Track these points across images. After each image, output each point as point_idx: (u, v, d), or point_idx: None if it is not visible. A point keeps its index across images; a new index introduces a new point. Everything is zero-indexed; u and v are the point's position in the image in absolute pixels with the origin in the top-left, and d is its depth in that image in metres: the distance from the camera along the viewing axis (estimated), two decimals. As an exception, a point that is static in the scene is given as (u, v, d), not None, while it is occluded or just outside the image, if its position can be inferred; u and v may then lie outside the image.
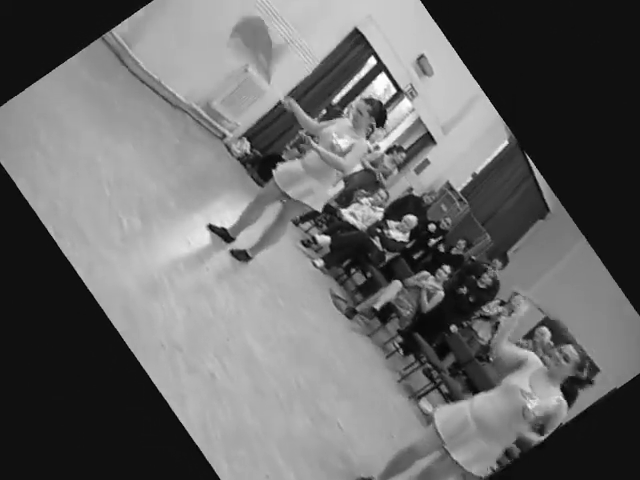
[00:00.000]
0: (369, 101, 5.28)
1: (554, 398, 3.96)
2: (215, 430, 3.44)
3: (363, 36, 8.36)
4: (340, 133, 5.12)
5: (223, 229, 5.52)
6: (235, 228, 5.51)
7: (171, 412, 3.04)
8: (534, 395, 3.94)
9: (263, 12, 7.23)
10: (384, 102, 11.03)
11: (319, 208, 5.42)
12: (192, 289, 4.55)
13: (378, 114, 5.24)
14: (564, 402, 3.99)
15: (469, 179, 12.34)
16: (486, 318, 9.25)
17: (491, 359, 9.20)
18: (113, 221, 4.18)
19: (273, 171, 5.35)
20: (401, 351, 8.47)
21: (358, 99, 5.17)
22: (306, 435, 4.41)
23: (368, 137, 5.42)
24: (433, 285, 8.32)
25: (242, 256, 5.48)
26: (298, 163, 5.32)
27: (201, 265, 4.99)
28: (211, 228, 5.50)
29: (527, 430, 3.98)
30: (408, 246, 9.43)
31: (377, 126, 5.36)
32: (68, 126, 4.56)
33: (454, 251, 9.66)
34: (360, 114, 5.16)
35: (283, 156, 8.88)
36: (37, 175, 3.73)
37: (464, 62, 3.24)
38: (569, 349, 4.03)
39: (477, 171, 12.28)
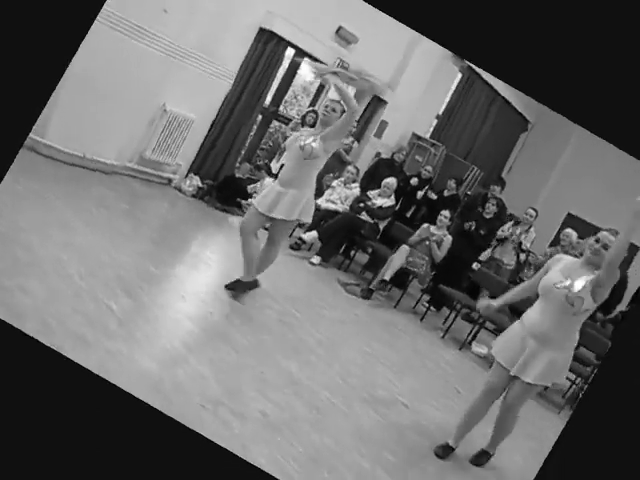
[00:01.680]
0: (334, 109, 5.49)
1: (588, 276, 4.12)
2: (291, 464, 3.57)
3: (272, 32, 8.47)
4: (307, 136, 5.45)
5: (238, 281, 5.62)
6: (248, 272, 5.64)
7: (244, 465, 3.17)
8: (569, 280, 4.10)
9: (166, 53, 7.36)
10: (314, 82, 11.21)
11: (309, 219, 5.63)
12: (206, 340, 4.68)
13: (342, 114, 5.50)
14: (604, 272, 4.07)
15: (434, 122, 12.47)
16: (503, 241, 9.38)
17: (524, 279, 9.34)
18: (103, 310, 4.29)
19: (252, 201, 5.57)
20: (432, 308, 8.61)
21: (327, 101, 5.38)
22: (377, 427, 4.55)
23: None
24: (437, 233, 8.43)
25: (244, 287, 5.62)
26: (271, 182, 5.53)
27: (205, 313, 5.12)
28: (229, 287, 5.60)
29: (583, 313, 4.11)
30: (397, 208, 9.55)
31: None
32: (19, 240, 4.66)
33: (446, 193, 9.77)
34: (332, 111, 5.45)
35: (237, 174, 9.01)
36: (12, 299, 3.83)
37: (388, 14, 3.31)
38: (604, 235, 4.15)
39: (440, 112, 12.41)
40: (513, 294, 4.64)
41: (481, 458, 4.70)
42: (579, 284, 4.07)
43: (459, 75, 12.23)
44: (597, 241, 4.14)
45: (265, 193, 5.55)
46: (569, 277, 4.13)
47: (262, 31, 8.52)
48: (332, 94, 10.74)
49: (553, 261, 4.37)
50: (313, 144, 5.32)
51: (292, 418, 4.08)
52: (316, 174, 5.55)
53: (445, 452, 4.52)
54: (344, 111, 5.42)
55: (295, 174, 5.41)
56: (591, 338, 7.36)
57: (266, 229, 5.78)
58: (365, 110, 10.67)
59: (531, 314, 4.30)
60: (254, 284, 5.70)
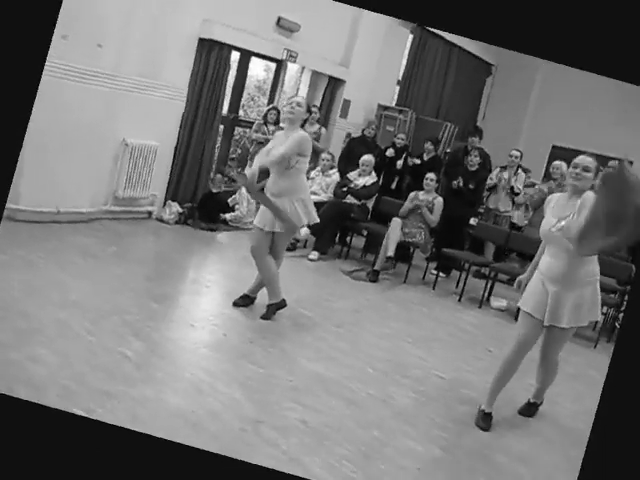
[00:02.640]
0: (299, 103, 5.59)
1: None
2: (346, 465, 3.60)
3: (212, 40, 8.42)
4: (275, 144, 5.58)
5: (269, 306, 5.75)
6: (274, 293, 5.74)
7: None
8: (561, 220, 4.15)
9: (112, 87, 7.33)
10: (268, 78, 11.21)
11: (316, 217, 5.80)
12: (228, 363, 4.69)
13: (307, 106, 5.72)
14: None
15: (397, 89, 12.45)
16: (494, 189, 9.41)
17: (525, 222, 9.38)
18: (117, 359, 4.30)
19: (255, 223, 5.68)
20: (441, 274, 8.63)
21: (291, 98, 5.51)
22: (419, 406, 4.58)
23: (303, 126, 5.82)
24: (426, 198, 8.44)
25: (274, 310, 5.76)
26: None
27: (218, 336, 5.13)
28: (265, 318, 5.69)
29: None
30: (381, 183, 9.56)
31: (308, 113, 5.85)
32: (17, 309, 4.65)
33: (426, 157, 9.78)
34: (298, 106, 5.54)
35: (213, 190, 9.00)
36: (25, 372, 3.82)
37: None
38: (581, 159, 4.22)
39: (400, 77, 12.40)
40: (537, 255, 4.63)
41: (530, 409, 4.78)
42: (574, 222, 4.05)
43: (410, 36, 12.22)
44: (575, 167, 4.20)
45: (262, 211, 5.64)
46: (559, 216, 4.20)
47: (202, 41, 8.48)
48: (288, 89, 10.79)
49: (546, 204, 4.49)
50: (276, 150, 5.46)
51: (333, 419, 4.10)
52: (304, 174, 5.73)
53: (485, 421, 4.49)
54: (309, 105, 5.72)
55: (284, 184, 5.52)
56: (610, 265, 7.27)
57: None
58: (325, 94, 10.66)
59: (544, 260, 4.36)
60: (282, 303, 5.80)
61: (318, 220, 5.87)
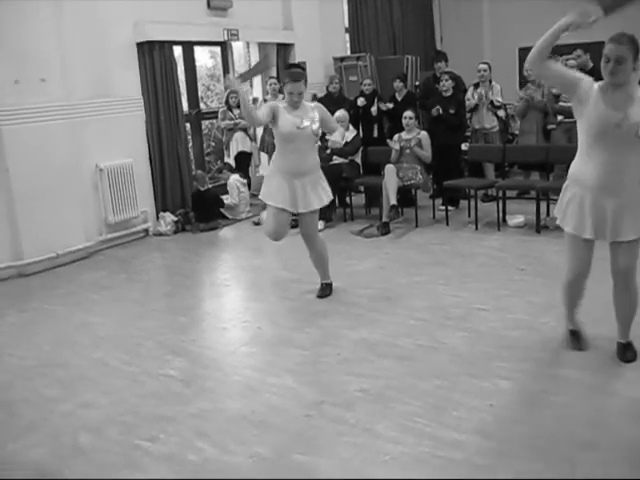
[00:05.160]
0: (297, 77, 5.50)
1: None
2: (419, 422, 3.62)
3: (149, 41, 8.34)
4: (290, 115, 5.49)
5: (324, 286, 5.90)
6: (325, 273, 5.93)
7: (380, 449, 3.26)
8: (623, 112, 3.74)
9: (69, 117, 7.30)
10: (216, 63, 11.15)
11: (330, 196, 5.84)
12: (271, 354, 4.75)
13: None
14: None
15: (347, 37, 12.37)
16: (474, 109, 9.40)
17: (515, 132, 9.40)
18: (164, 381, 4.34)
19: (290, 208, 5.55)
20: (450, 208, 8.65)
21: (289, 86, 5.40)
22: (473, 344, 4.62)
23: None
24: (410, 136, 8.44)
25: (329, 289, 5.91)
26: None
27: (254, 331, 5.18)
28: (322, 296, 5.82)
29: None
30: (362, 134, 9.55)
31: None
32: (53, 362, 4.71)
33: (398, 96, 9.74)
34: (301, 94, 5.49)
35: (201, 188, 8.99)
36: (81, 420, 3.88)
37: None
38: (611, 49, 3.68)
39: (346, 24, 12.31)
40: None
41: (625, 352, 4.24)
42: (636, 114, 3.73)
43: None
44: (607, 60, 3.71)
45: (290, 194, 5.51)
46: (617, 109, 3.74)
47: (141, 45, 8.41)
48: (240, 68, 10.73)
49: (585, 83, 3.86)
50: (315, 125, 5.50)
51: (392, 380, 4.14)
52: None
53: (577, 340, 4.40)
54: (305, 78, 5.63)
55: (314, 160, 5.63)
56: None
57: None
58: (277, 62, 10.58)
59: (586, 169, 3.93)
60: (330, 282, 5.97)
61: (331, 197, 5.92)
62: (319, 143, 5.54)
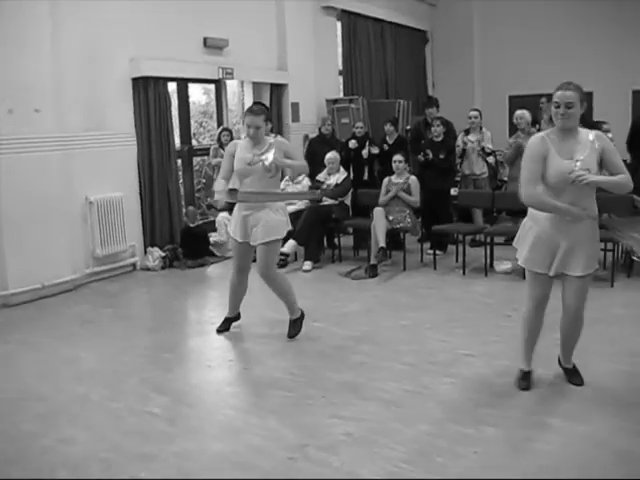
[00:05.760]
0: (256, 112, 5.57)
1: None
2: (404, 468, 3.59)
3: (145, 77, 8.39)
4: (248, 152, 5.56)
5: (292, 323, 5.85)
6: (292, 309, 5.87)
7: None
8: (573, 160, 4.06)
9: (64, 148, 7.31)
10: (210, 100, 11.21)
11: (288, 227, 5.77)
12: (255, 394, 4.73)
13: (268, 115, 5.81)
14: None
15: (341, 79, 12.50)
16: (464, 154, 9.49)
17: (504, 179, 9.49)
18: (147, 419, 4.29)
19: (229, 233, 5.74)
20: (438, 252, 8.68)
21: (247, 118, 5.46)
22: (457, 390, 4.62)
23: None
24: (400, 181, 8.49)
25: (298, 325, 5.86)
26: (224, 215, 5.60)
27: (238, 370, 5.17)
28: (292, 336, 5.79)
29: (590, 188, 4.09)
30: (352, 177, 9.61)
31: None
32: (31, 396, 4.65)
33: (389, 139, 9.83)
34: (258, 128, 5.53)
35: (191, 225, 8.99)
36: (59, 455, 3.82)
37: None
38: (561, 95, 4.05)
39: (340, 67, 12.44)
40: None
41: (573, 376, 4.63)
42: (584, 159, 4.06)
43: (339, 24, 12.29)
44: (558, 106, 4.06)
45: (242, 227, 5.62)
46: (569, 157, 4.08)
47: (136, 80, 8.47)
48: (233, 106, 10.80)
49: (538, 145, 4.18)
50: (267, 161, 5.47)
51: (377, 424, 4.12)
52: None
53: (526, 381, 4.57)
54: (266, 116, 5.68)
55: (259, 196, 5.54)
56: (611, 200, 6.91)
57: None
58: (271, 102, 10.66)
59: (550, 214, 4.21)
60: (302, 315, 5.92)
61: (289, 228, 5.86)
62: (286, 178, 5.54)
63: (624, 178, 4.07)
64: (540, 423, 4.07)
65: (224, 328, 6.00)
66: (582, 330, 4.49)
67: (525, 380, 4.58)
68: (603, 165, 4.14)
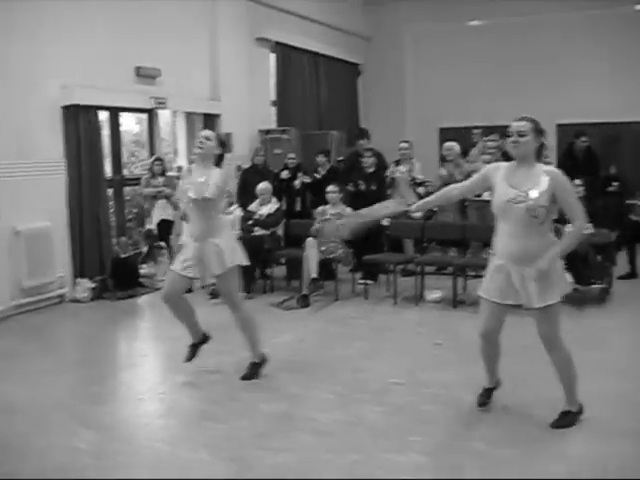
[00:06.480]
0: (207, 137, 5.38)
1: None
2: None
3: (76, 105, 8.30)
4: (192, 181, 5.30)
5: (252, 365, 5.60)
6: (254, 350, 5.63)
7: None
8: (523, 190, 4.10)
9: None
10: (142, 129, 11.13)
11: (243, 259, 5.53)
12: (187, 427, 4.69)
13: (221, 142, 5.51)
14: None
15: (272, 109, 12.54)
16: (394, 184, 9.63)
17: (435, 210, 9.66)
18: (72, 455, 4.18)
19: (173, 268, 5.40)
20: (369, 282, 8.75)
21: (199, 135, 5.35)
22: (387, 418, 4.66)
23: (218, 165, 5.46)
24: (333, 211, 8.56)
25: (257, 369, 5.59)
26: (187, 244, 5.42)
27: (169, 404, 5.11)
28: (245, 378, 5.52)
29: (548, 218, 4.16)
30: (284, 207, 9.64)
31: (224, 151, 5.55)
32: None
33: (322, 170, 9.91)
34: (207, 140, 5.31)
35: (122, 255, 8.89)
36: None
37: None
38: (514, 126, 4.13)
39: (273, 98, 12.49)
40: (437, 196, 4.75)
41: (566, 419, 4.45)
42: (534, 193, 4.08)
43: (272, 55, 12.38)
44: (510, 135, 4.14)
45: (185, 257, 5.39)
46: (517, 187, 4.13)
47: (66, 108, 8.38)
48: (166, 135, 10.77)
49: (490, 170, 4.36)
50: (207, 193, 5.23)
51: (308, 454, 4.13)
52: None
53: (483, 397, 4.71)
54: (219, 139, 5.49)
55: (212, 224, 5.32)
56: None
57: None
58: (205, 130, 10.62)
59: (500, 241, 4.28)
60: (264, 357, 5.68)
61: (245, 262, 5.60)
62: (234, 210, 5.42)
63: (577, 230, 4.15)
64: (469, 449, 4.14)
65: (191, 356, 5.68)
66: (573, 367, 4.38)
67: (482, 396, 4.69)
68: (557, 202, 4.12)
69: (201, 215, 5.32)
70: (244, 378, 5.50)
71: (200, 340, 5.69)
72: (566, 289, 4.35)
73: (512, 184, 4.16)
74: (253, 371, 5.56)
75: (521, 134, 4.12)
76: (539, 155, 4.24)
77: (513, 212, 4.12)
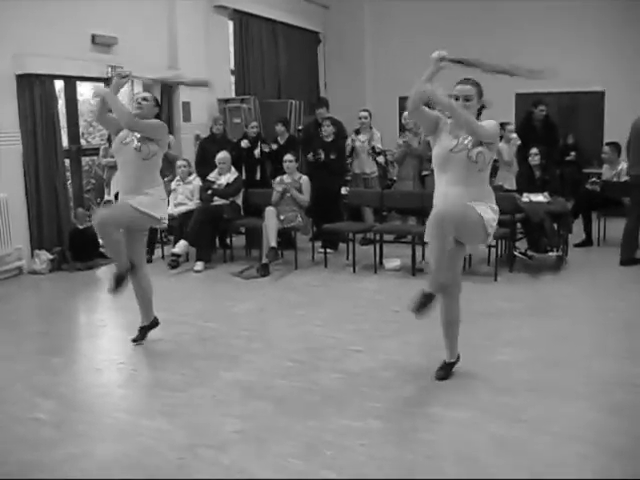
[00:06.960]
0: (145, 97, 5.44)
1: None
2: (294, 463, 3.64)
3: (29, 74, 8.16)
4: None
5: (141, 329, 5.71)
6: (146, 314, 5.70)
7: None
8: (461, 140, 4.36)
9: None
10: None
11: (165, 215, 5.54)
12: (147, 396, 4.71)
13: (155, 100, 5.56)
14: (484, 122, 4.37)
15: (233, 79, 12.43)
16: (354, 153, 9.67)
17: (394, 179, 9.71)
18: (32, 426, 4.18)
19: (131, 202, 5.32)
20: (329, 250, 8.81)
21: (137, 96, 5.37)
22: (345, 385, 4.72)
23: None
24: (291, 180, 8.58)
25: (142, 334, 5.69)
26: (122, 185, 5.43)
27: (128, 373, 5.12)
28: (136, 340, 5.65)
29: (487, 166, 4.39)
30: (244, 176, 9.62)
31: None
32: None
33: (280, 139, 9.89)
34: (145, 101, 5.39)
35: (80, 227, 8.82)
36: None
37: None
38: (461, 89, 4.38)
39: (232, 66, 12.37)
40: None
41: (446, 370, 4.76)
42: (470, 140, 4.34)
43: (230, 23, 12.26)
44: (457, 99, 4.35)
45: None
46: (457, 137, 4.38)
47: (20, 77, 8.23)
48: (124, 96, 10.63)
49: (442, 120, 4.51)
50: (149, 144, 5.27)
51: (266, 421, 4.17)
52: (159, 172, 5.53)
53: (442, 370, 4.74)
54: (156, 99, 5.56)
55: (143, 177, 5.32)
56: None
57: None
58: (162, 101, 10.54)
59: (440, 192, 4.44)
60: (155, 322, 5.76)
61: (166, 219, 5.57)
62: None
63: (473, 120, 4.30)
64: (425, 413, 4.22)
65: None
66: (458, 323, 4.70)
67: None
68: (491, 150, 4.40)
69: (137, 170, 5.30)
70: (134, 340, 5.66)
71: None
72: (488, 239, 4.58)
73: (455, 136, 4.40)
74: (144, 333, 5.72)
75: (467, 98, 4.36)
76: (479, 115, 4.46)
77: (455, 160, 4.34)
